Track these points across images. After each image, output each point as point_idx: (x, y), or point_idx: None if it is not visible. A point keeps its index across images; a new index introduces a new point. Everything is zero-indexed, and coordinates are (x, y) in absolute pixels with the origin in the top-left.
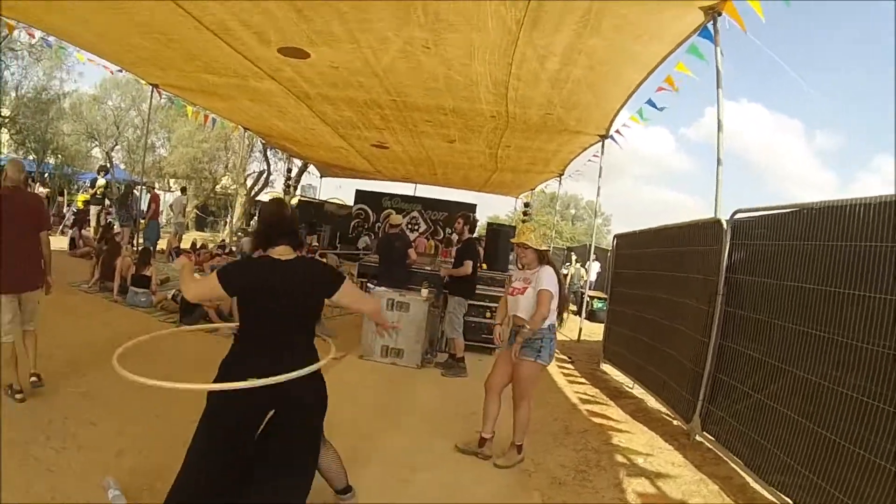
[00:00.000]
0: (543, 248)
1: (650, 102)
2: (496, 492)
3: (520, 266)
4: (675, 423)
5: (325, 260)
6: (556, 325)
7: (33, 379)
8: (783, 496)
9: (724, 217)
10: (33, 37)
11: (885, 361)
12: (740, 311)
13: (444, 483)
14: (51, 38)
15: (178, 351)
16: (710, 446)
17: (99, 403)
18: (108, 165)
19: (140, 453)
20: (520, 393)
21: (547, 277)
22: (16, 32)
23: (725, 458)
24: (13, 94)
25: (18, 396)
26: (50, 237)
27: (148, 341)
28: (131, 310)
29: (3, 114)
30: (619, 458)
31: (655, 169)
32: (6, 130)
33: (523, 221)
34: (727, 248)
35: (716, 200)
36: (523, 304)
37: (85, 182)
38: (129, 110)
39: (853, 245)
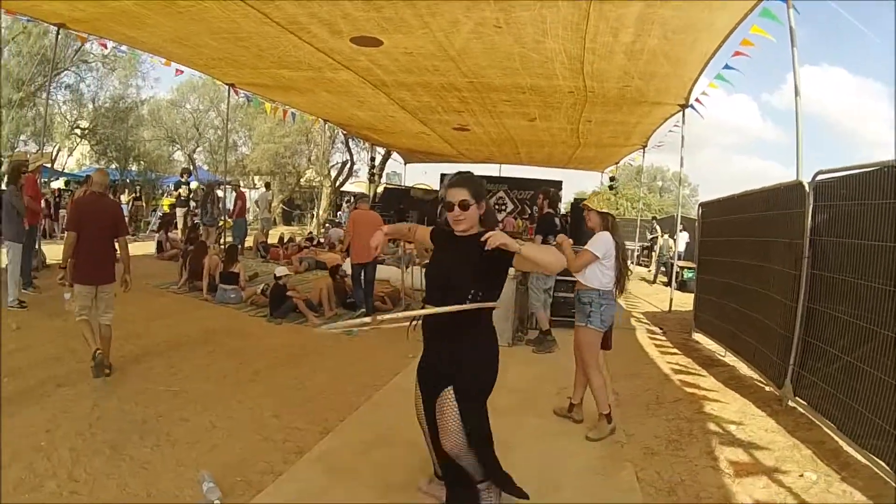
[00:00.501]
0: (604, 209)
1: (727, 67)
2: (589, 464)
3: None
4: (767, 389)
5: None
6: (614, 292)
7: (99, 354)
8: (877, 459)
9: (805, 179)
10: (105, 47)
11: None
12: (827, 274)
13: (538, 459)
14: (123, 47)
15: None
16: (803, 411)
17: (191, 400)
18: (192, 167)
19: (233, 448)
20: (580, 361)
21: (597, 240)
22: (87, 45)
23: (818, 423)
24: (90, 106)
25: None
26: (128, 241)
27: None
28: (221, 306)
29: (82, 126)
30: (712, 427)
31: (741, 138)
32: (87, 141)
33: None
34: (810, 210)
35: (797, 162)
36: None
37: (169, 186)
38: (208, 111)
39: None
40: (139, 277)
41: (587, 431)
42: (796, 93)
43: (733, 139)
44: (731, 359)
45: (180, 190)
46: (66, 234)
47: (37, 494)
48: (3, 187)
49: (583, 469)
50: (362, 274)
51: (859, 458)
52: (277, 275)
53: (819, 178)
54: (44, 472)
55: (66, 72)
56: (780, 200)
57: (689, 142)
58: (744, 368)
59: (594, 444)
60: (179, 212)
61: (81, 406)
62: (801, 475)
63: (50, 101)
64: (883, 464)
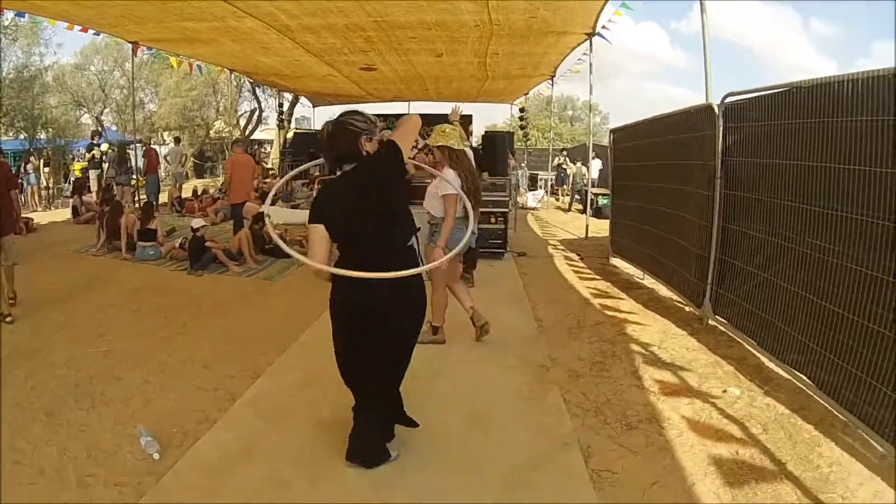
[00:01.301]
0: (440, 143)
1: None
2: (516, 390)
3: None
4: (687, 309)
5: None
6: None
7: (11, 301)
8: (797, 373)
9: (715, 102)
10: (2, 13)
11: (885, 232)
12: (739, 193)
13: (466, 384)
14: (24, 16)
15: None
16: (724, 329)
17: (122, 359)
18: (101, 129)
19: (167, 400)
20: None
21: (445, 179)
22: None
23: (739, 340)
24: None
25: (8, 320)
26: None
27: None
28: (141, 264)
29: None
30: (635, 348)
31: (652, 65)
32: None
33: (521, 127)
34: (721, 131)
35: (706, 84)
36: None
37: (80, 150)
38: (113, 72)
39: (848, 121)
40: (57, 244)
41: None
42: (702, 10)
43: (644, 67)
44: (649, 281)
45: (93, 152)
46: None
47: None
48: None
49: (511, 395)
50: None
51: (781, 372)
52: (194, 227)
53: (729, 100)
54: None
55: None
56: (692, 123)
57: (600, 71)
58: (663, 290)
59: (521, 369)
60: (93, 174)
61: (15, 377)
62: (725, 391)
63: None
64: (803, 377)
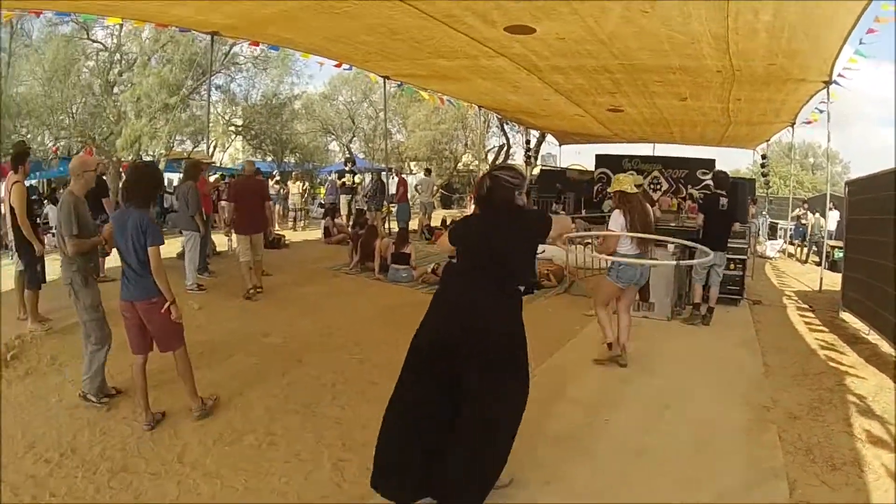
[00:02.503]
0: (615, 189)
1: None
2: (737, 424)
3: None
4: None
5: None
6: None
7: (258, 289)
8: None
9: None
10: (258, 45)
11: None
12: None
13: (693, 416)
14: (277, 48)
15: None
16: None
17: (376, 366)
18: (352, 156)
19: None
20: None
21: (611, 218)
22: (237, 47)
23: None
24: (244, 104)
25: (254, 294)
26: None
27: None
28: (393, 285)
29: (236, 123)
30: (850, 398)
31: (888, 109)
32: (242, 137)
33: (763, 175)
34: None
35: None
36: None
37: (328, 174)
38: (362, 103)
39: None
40: (310, 261)
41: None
42: None
43: (879, 112)
44: (874, 337)
45: (345, 178)
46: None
47: (237, 447)
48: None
49: (732, 428)
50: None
51: None
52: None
53: None
54: (241, 428)
55: (217, 74)
56: None
57: (840, 117)
58: (885, 346)
59: (744, 407)
60: (343, 199)
61: (272, 373)
62: None
63: (203, 103)
64: None
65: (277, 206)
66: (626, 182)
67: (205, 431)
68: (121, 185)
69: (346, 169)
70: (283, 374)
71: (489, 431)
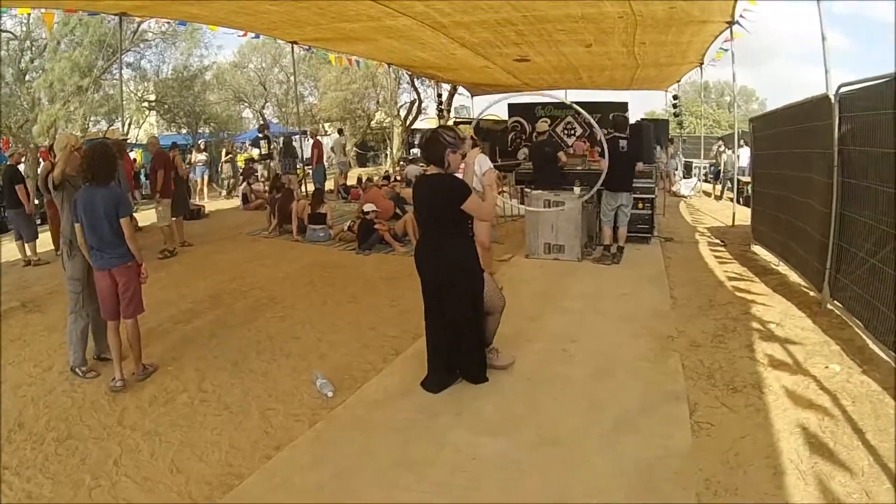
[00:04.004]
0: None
1: None
2: (641, 353)
3: None
4: (811, 294)
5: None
6: None
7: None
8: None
9: (831, 92)
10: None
11: None
12: (854, 181)
13: (597, 348)
14: (184, 23)
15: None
16: (839, 313)
17: (297, 322)
18: (266, 123)
19: (338, 354)
20: None
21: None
22: (145, 24)
23: (850, 324)
24: (155, 79)
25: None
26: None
27: None
28: (312, 245)
29: (150, 99)
30: (755, 325)
31: (809, 47)
32: (156, 112)
33: (675, 115)
34: (837, 121)
35: (825, 75)
36: None
37: (244, 143)
38: (272, 68)
39: None
40: (230, 228)
41: None
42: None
43: (801, 48)
44: (783, 268)
45: (262, 144)
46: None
47: (172, 405)
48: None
49: (635, 357)
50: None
51: (881, 354)
52: (365, 210)
53: (843, 90)
54: (174, 389)
55: (127, 52)
56: (813, 113)
57: (754, 56)
58: (794, 276)
59: (647, 337)
60: (260, 165)
61: (200, 336)
62: (826, 367)
63: (116, 82)
64: None
65: (197, 180)
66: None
67: (140, 395)
68: (80, 166)
69: (261, 136)
70: (211, 337)
71: (457, 328)
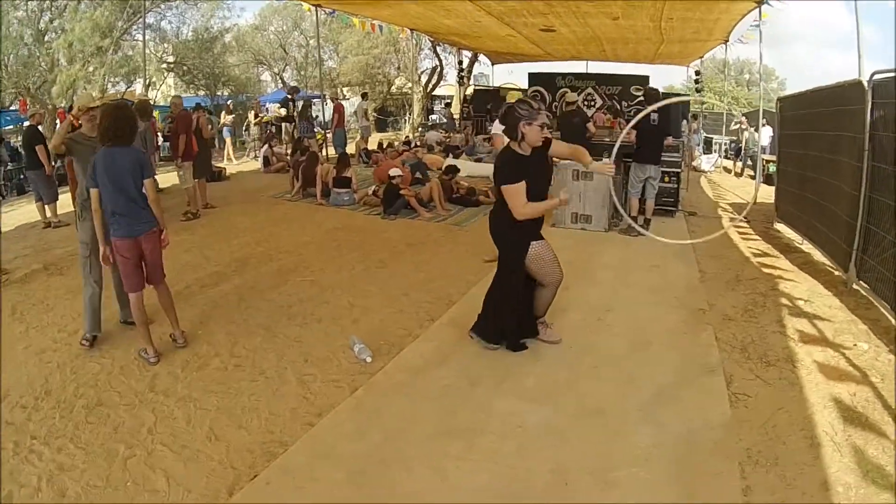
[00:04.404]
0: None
1: None
2: (675, 327)
3: None
4: (836, 273)
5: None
6: None
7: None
8: None
9: (864, 78)
10: None
11: None
12: (884, 166)
13: (632, 319)
14: None
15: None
16: (865, 293)
17: (327, 286)
18: (296, 85)
19: (372, 320)
20: None
21: None
22: None
23: (877, 304)
24: (175, 40)
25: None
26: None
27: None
28: (336, 209)
29: (169, 61)
30: (783, 301)
31: (833, 33)
32: (174, 74)
33: (696, 91)
34: (869, 106)
35: (858, 62)
36: None
37: (265, 104)
38: (293, 31)
39: None
40: (252, 191)
41: None
42: None
43: (824, 35)
44: (807, 246)
45: (287, 107)
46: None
47: (205, 371)
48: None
49: (669, 330)
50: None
51: None
52: (392, 175)
53: (876, 77)
54: (206, 354)
55: (149, 12)
56: (845, 97)
57: (778, 38)
58: (818, 255)
59: (680, 309)
60: (287, 126)
61: (228, 300)
62: (855, 345)
63: (137, 42)
64: None
65: (227, 140)
66: (514, 96)
67: (171, 360)
68: (99, 126)
69: (290, 98)
70: (240, 301)
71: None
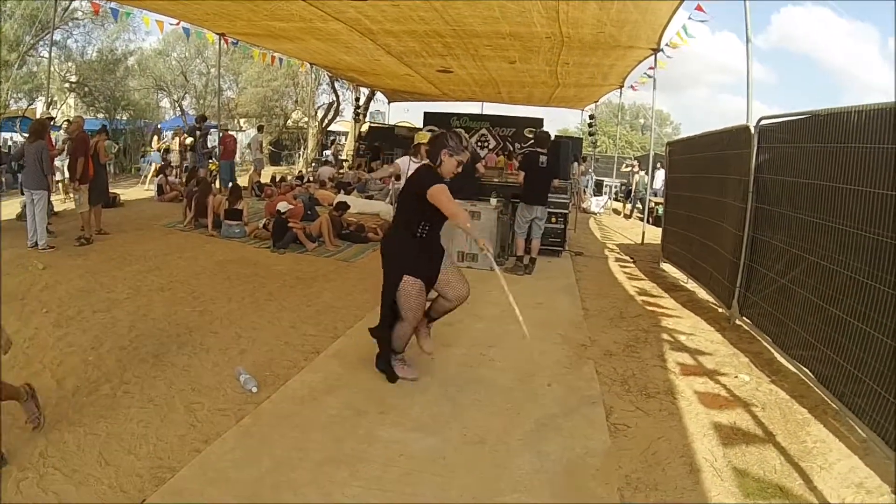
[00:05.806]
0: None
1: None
2: (558, 360)
3: None
4: (719, 310)
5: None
6: None
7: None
8: (802, 367)
9: (752, 123)
10: (97, 11)
11: (882, 247)
12: (767, 207)
13: (516, 354)
14: (113, 5)
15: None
16: (747, 328)
17: (217, 317)
18: (204, 114)
19: (259, 351)
20: None
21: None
22: (76, 2)
23: (759, 338)
24: (79, 60)
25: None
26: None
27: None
28: (227, 241)
29: (72, 80)
30: (665, 337)
31: (729, 77)
32: (75, 94)
33: (589, 134)
34: (755, 151)
35: (747, 108)
36: None
37: (165, 130)
38: (195, 59)
39: (854, 147)
40: (146, 219)
41: None
42: (748, 39)
43: (721, 78)
44: (692, 285)
45: (195, 135)
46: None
47: (94, 396)
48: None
49: (553, 364)
50: None
51: (789, 366)
52: (281, 210)
53: (763, 122)
54: (96, 380)
55: (56, 30)
56: (732, 141)
57: (675, 82)
58: (702, 293)
59: (563, 345)
60: (190, 156)
61: (119, 327)
62: (736, 376)
63: (42, 59)
64: (807, 370)
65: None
66: (424, 137)
67: (63, 385)
68: None
69: (197, 126)
70: (131, 328)
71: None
